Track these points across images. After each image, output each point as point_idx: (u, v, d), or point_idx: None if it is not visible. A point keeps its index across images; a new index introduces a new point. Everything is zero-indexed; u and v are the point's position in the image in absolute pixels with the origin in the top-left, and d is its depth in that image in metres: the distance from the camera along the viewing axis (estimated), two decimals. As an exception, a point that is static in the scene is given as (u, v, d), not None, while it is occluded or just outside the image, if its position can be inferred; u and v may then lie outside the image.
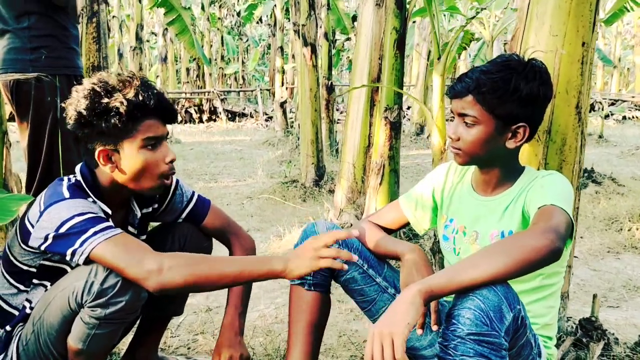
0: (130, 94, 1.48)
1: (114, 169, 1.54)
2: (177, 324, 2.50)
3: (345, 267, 1.42)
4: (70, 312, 1.48)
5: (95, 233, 1.42)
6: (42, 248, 1.47)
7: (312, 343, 1.69)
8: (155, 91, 1.52)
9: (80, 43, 4.04)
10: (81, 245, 1.42)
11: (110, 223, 1.48)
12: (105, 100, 1.47)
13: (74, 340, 1.49)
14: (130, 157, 1.52)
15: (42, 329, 1.52)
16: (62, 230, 1.43)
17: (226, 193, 5.77)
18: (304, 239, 1.69)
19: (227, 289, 1.73)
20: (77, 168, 1.59)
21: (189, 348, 2.29)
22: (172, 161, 1.57)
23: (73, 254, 1.43)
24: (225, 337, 1.70)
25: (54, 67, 2.44)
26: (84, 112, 1.48)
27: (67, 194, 1.48)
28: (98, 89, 1.48)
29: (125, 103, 1.47)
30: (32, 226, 1.48)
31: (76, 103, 1.49)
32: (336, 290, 2.20)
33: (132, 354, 1.92)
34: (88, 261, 1.43)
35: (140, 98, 1.48)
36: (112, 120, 1.46)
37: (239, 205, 5.19)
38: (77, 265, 1.47)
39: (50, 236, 1.44)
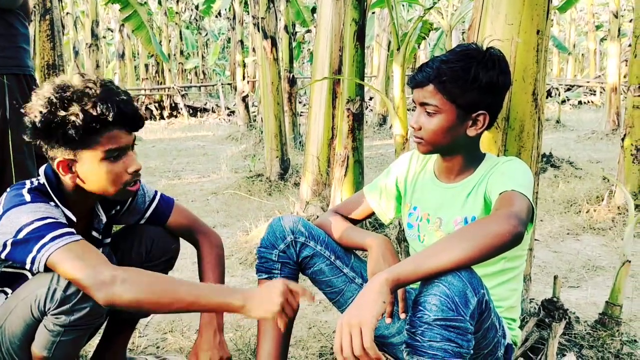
0: (89, 106, 1.40)
1: (74, 179, 1.49)
2: (145, 323, 2.47)
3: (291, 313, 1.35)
4: (33, 320, 1.44)
5: (53, 239, 1.37)
6: (2, 256, 1.42)
7: (282, 336, 1.69)
8: (118, 99, 1.44)
9: (34, 41, 3.93)
10: (38, 251, 1.36)
11: (70, 229, 1.43)
12: (62, 112, 1.39)
13: (39, 348, 1.46)
14: (90, 169, 1.46)
15: (4, 337, 1.48)
16: (21, 235, 1.38)
17: (190, 190, 5.71)
18: (270, 233, 1.70)
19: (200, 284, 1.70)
20: (42, 170, 1.53)
21: (157, 347, 2.27)
22: (136, 171, 1.51)
23: (32, 261, 1.37)
24: (203, 338, 1.63)
25: (3, 66, 2.36)
26: (39, 125, 1.41)
27: (28, 198, 1.43)
28: (55, 100, 1.40)
29: (81, 117, 1.39)
30: None
31: (33, 112, 1.42)
32: (304, 283, 2.21)
33: (100, 356, 1.89)
34: (47, 269, 1.38)
35: (99, 110, 1.40)
36: (69, 133, 1.40)
37: (204, 201, 5.14)
38: (38, 272, 1.43)
39: (9, 243, 1.39)
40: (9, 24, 2.39)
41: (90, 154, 1.45)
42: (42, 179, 1.51)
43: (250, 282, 3.01)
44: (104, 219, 1.66)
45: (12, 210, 1.41)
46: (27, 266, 1.39)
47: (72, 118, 1.39)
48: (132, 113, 1.48)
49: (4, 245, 1.40)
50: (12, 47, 2.40)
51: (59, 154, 1.46)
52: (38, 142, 1.46)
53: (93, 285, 1.32)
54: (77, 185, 1.51)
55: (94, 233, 1.65)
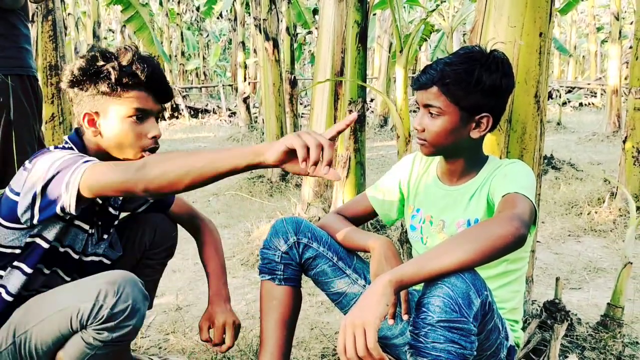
0: (125, 62, 1.50)
1: (96, 134, 1.54)
2: (147, 324, 2.48)
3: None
4: (70, 332, 1.42)
5: (86, 161, 1.40)
6: (35, 210, 1.41)
7: (284, 337, 1.70)
8: (152, 65, 1.54)
9: (36, 42, 3.93)
10: (74, 171, 1.37)
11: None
12: (100, 63, 1.50)
13: (69, 357, 1.44)
14: (114, 124, 1.52)
15: (29, 342, 1.46)
16: (54, 168, 1.39)
17: (192, 191, 5.71)
18: (272, 235, 1.70)
19: (203, 268, 1.83)
20: (66, 137, 1.59)
21: (160, 348, 2.28)
22: (155, 137, 1.56)
23: (67, 185, 1.36)
24: (216, 304, 1.73)
25: (5, 67, 2.36)
26: (76, 72, 1.51)
27: (55, 150, 1.49)
28: (97, 54, 1.52)
29: (117, 68, 1.49)
30: (18, 194, 1.43)
31: (76, 64, 1.52)
32: (306, 284, 2.22)
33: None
34: (80, 196, 1.36)
35: (134, 67, 1.50)
36: (102, 84, 1.49)
37: (205, 202, 5.15)
38: (67, 214, 1.41)
39: (39, 189, 1.39)
40: (12, 25, 2.40)
41: (117, 108, 1.52)
42: (69, 145, 1.56)
43: (252, 284, 3.02)
44: (120, 197, 1.69)
45: (40, 157, 1.45)
46: (62, 196, 1.37)
47: (109, 69, 1.49)
48: (162, 81, 1.57)
49: (34, 197, 1.40)
50: (15, 48, 2.41)
51: (87, 106, 1.53)
52: (71, 92, 1.54)
53: (132, 169, 1.33)
54: (99, 148, 1.56)
55: (111, 209, 1.68)
